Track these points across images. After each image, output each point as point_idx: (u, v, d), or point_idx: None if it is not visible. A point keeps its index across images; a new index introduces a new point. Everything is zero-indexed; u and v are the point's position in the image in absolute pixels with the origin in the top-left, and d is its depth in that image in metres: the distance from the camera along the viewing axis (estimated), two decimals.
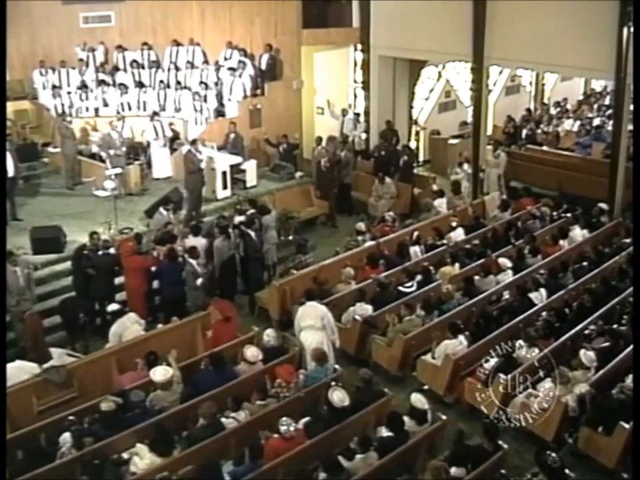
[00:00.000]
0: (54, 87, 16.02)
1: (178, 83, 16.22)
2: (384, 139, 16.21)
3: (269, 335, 9.00)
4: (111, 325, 10.52)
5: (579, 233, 12.49)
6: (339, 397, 7.54)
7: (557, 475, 6.52)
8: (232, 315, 9.53)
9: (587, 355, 8.47)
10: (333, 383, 7.94)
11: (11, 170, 12.70)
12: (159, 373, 7.96)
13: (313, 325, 9.23)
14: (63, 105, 15.55)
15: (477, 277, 10.79)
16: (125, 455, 7.01)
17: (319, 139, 15.66)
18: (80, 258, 10.77)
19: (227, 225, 11.67)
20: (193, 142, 13.48)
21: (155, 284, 11.15)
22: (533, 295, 10.23)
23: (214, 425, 7.44)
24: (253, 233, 11.65)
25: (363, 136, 17.22)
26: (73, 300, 10.60)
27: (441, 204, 13.62)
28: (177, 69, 16.65)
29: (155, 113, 15.18)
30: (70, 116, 14.83)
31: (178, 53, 17.16)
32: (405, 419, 7.49)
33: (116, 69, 16.79)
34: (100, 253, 10.72)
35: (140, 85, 16.23)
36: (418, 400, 7.60)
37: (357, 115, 17.29)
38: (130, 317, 9.44)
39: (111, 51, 17.31)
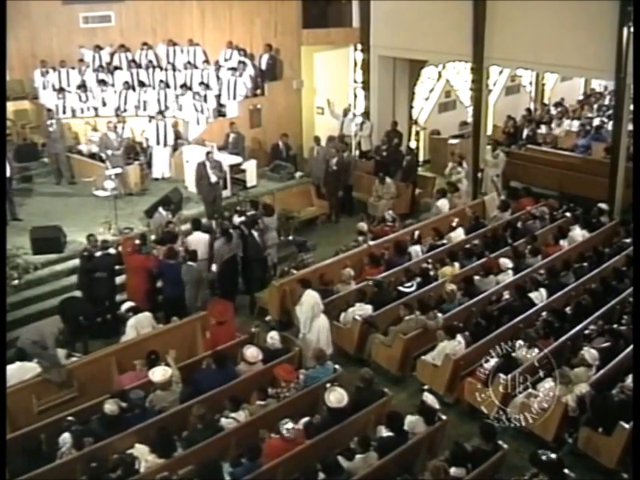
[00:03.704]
0: (54, 87, 16.02)
1: (184, 84, 16.20)
2: (388, 137, 16.17)
3: (273, 338, 9.00)
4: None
5: (578, 233, 12.49)
6: (335, 397, 7.55)
7: (556, 470, 6.55)
8: (225, 319, 9.53)
9: (590, 353, 8.49)
10: (328, 385, 7.94)
11: (7, 170, 12.70)
12: (158, 374, 7.97)
13: (321, 310, 9.66)
14: (62, 105, 15.52)
15: (476, 277, 10.80)
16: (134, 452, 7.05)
17: (317, 139, 15.65)
18: (82, 260, 10.79)
19: (229, 226, 11.67)
20: (208, 154, 13.24)
21: (156, 283, 11.14)
22: (533, 295, 10.23)
23: (211, 425, 7.44)
24: (256, 234, 11.65)
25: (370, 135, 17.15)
26: (72, 300, 10.59)
27: (444, 204, 13.62)
28: (174, 68, 16.64)
29: (160, 113, 15.15)
30: (52, 117, 14.68)
31: (175, 53, 17.17)
32: (412, 417, 7.51)
33: (116, 68, 16.77)
34: (99, 253, 10.72)
35: (141, 84, 16.24)
36: (431, 399, 7.64)
37: (364, 115, 17.24)
38: (147, 316, 9.61)
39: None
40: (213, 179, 13.09)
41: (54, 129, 14.42)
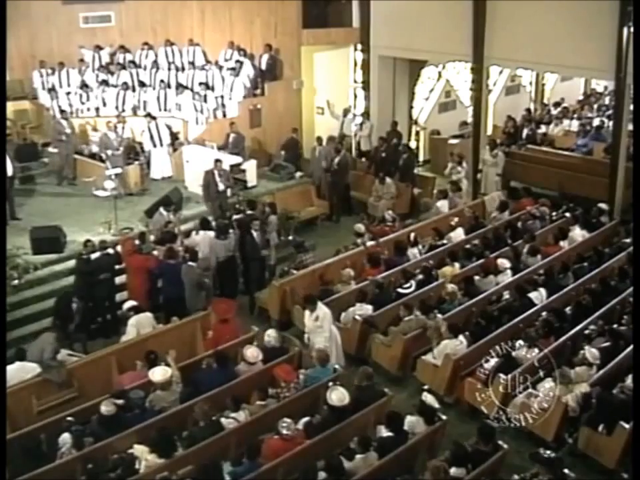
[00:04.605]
0: (53, 87, 16.01)
1: (180, 84, 16.18)
2: (385, 138, 16.17)
3: (270, 336, 9.01)
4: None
5: (578, 233, 12.49)
6: (337, 396, 7.56)
7: (556, 469, 6.57)
8: (229, 317, 9.54)
9: (591, 352, 8.50)
10: (331, 384, 7.95)
11: (9, 169, 12.71)
12: (158, 373, 7.98)
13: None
14: (60, 105, 15.53)
15: (477, 277, 10.79)
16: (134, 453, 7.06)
17: (320, 139, 15.67)
18: (80, 265, 10.77)
19: (226, 225, 11.67)
20: (217, 162, 13.07)
21: (156, 283, 11.13)
22: (533, 295, 10.23)
23: (213, 424, 7.45)
24: (255, 234, 11.63)
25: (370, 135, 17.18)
26: (64, 294, 10.56)
27: (443, 205, 13.62)
28: (177, 69, 16.64)
29: (149, 115, 15.10)
30: (67, 118, 14.70)
31: (174, 53, 17.17)
32: (412, 417, 7.53)
33: (122, 67, 16.73)
34: (98, 254, 10.72)
35: (141, 84, 16.23)
36: (430, 399, 7.68)
37: (363, 115, 17.25)
38: (147, 316, 9.63)
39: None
40: (221, 187, 13.03)
41: (68, 130, 14.40)
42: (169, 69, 16.68)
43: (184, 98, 15.79)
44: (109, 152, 14.05)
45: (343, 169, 14.96)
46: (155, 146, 14.90)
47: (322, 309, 9.39)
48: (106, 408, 7.40)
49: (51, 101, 15.73)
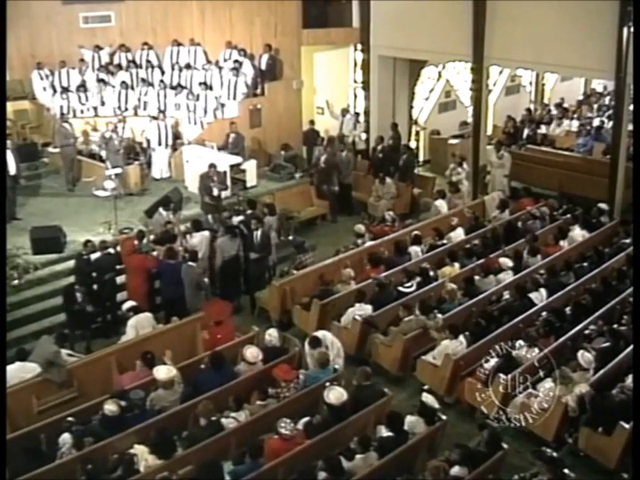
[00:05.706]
0: (54, 88, 16.00)
1: (179, 84, 16.19)
2: (382, 139, 16.16)
3: (271, 335, 9.01)
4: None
5: (578, 233, 12.49)
6: (335, 395, 7.57)
7: (556, 468, 6.59)
8: (222, 319, 9.54)
9: (584, 357, 8.49)
10: (328, 384, 7.95)
11: (12, 168, 12.69)
12: (162, 372, 7.97)
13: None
14: (62, 106, 15.52)
15: (477, 277, 10.79)
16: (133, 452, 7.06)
17: (321, 139, 15.67)
18: (81, 265, 10.77)
19: (233, 224, 11.68)
20: (212, 165, 13.02)
21: (156, 284, 11.14)
22: (533, 295, 10.23)
23: (214, 424, 7.45)
24: (255, 234, 11.64)
25: (363, 136, 17.23)
26: (70, 287, 10.57)
27: (441, 205, 13.62)
28: (181, 69, 16.62)
29: (161, 112, 15.12)
30: (66, 121, 14.67)
31: (179, 53, 17.16)
32: (412, 417, 7.53)
33: (120, 67, 16.71)
34: (98, 254, 10.72)
35: (142, 82, 16.20)
36: (430, 400, 7.68)
37: (357, 114, 17.30)
38: (147, 316, 9.62)
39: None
40: (215, 192, 12.96)
41: (77, 136, 14.39)
42: (172, 69, 16.66)
43: (180, 98, 15.79)
44: (109, 152, 14.03)
45: (335, 167, 14.94)
46: (160, 144, 14.89)
47: (326, 337, 9.15)
48: (109, 408, 7.39)
49: (53, 100, 15.69)
